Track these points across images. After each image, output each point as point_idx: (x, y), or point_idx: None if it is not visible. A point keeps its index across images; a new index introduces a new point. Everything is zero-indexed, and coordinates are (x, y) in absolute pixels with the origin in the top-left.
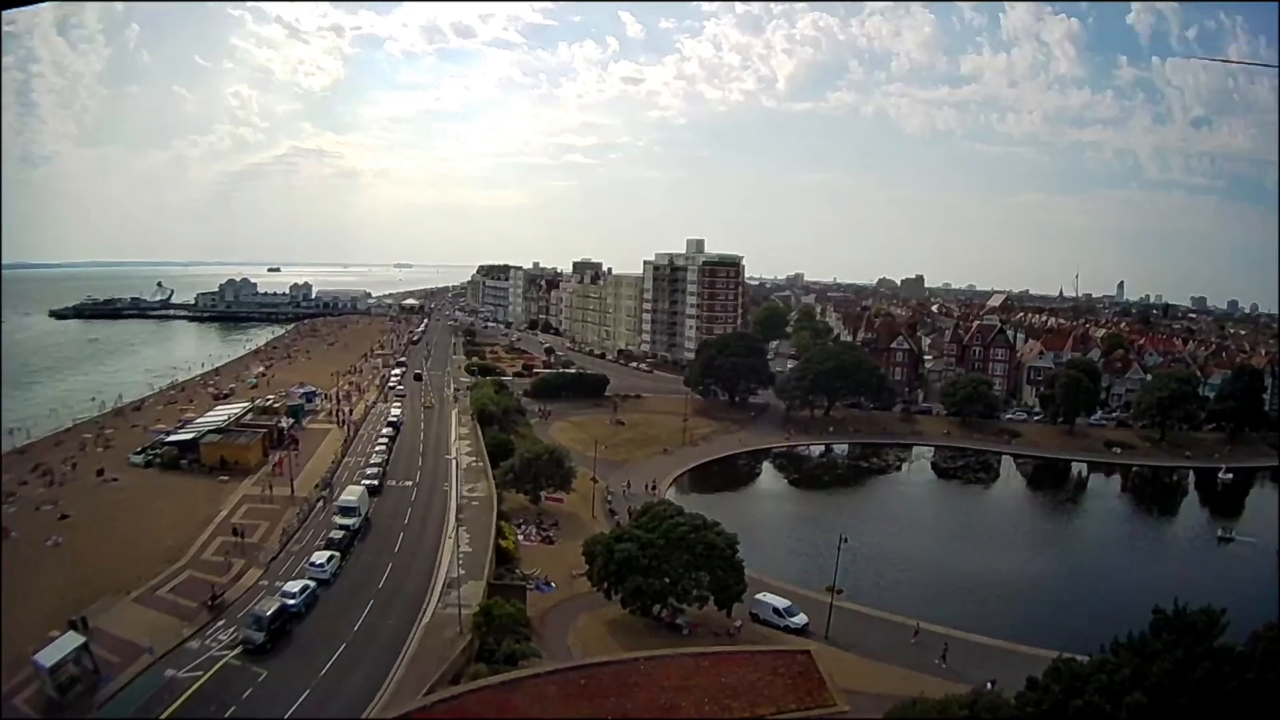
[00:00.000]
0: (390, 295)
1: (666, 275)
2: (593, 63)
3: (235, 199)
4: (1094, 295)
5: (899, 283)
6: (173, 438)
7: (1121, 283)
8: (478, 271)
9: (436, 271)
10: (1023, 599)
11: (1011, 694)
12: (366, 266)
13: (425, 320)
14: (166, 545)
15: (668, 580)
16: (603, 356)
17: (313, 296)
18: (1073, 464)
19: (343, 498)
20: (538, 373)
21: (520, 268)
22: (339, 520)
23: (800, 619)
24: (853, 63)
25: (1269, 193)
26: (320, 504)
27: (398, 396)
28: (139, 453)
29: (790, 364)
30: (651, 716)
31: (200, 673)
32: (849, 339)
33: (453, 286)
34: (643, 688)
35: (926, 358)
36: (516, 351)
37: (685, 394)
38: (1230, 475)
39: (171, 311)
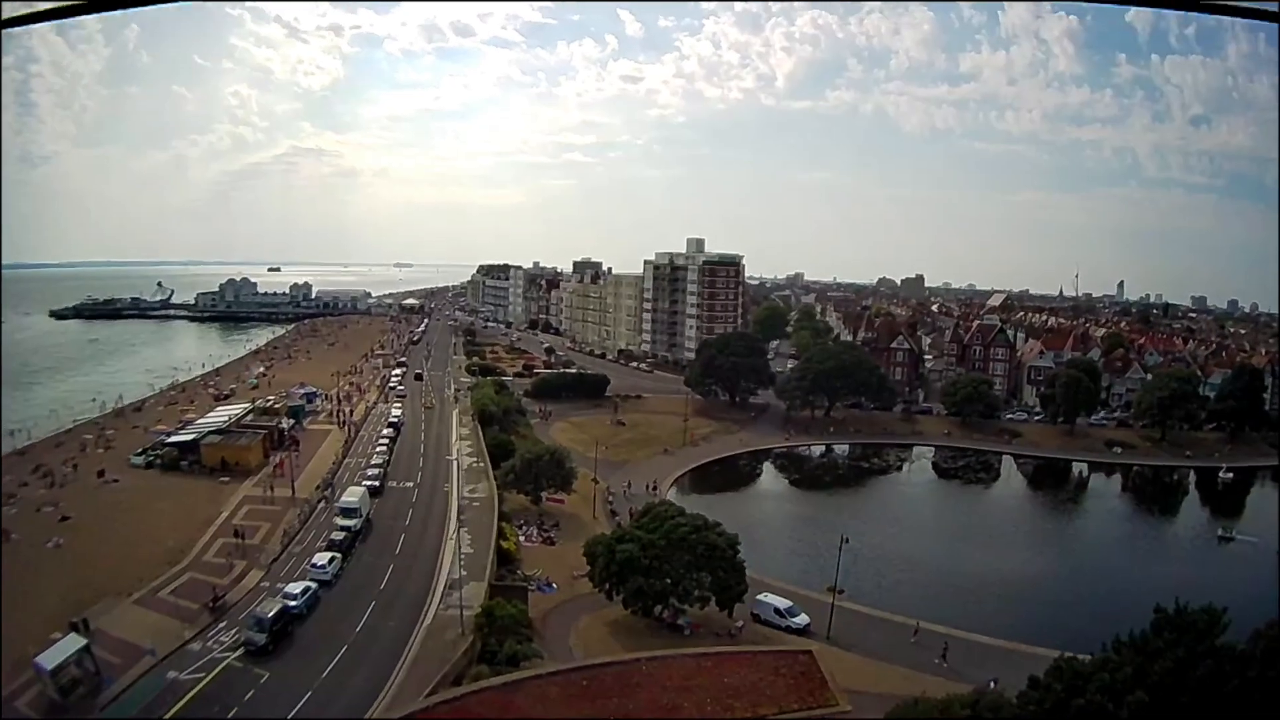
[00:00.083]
0: (390, 295)
1: (666, 275)
2: (592, 61)
3: (235, 199)
4: (1094, 294)
5: (899, 282)
6: (173, 439)
7: (1121, 282)
8: (478, 271)
9: (436, 271)
10: (1023, 598)
11: (1013, 693)
12: (366, 266)
13: (425, 320)
14: (168, 547)
15: (669, 581)
16: (603, 356)
17: (313, 296)
18: (1073, 464)
19: (344, 499)
20: (538, 373)
21: (520, 267)
22: (340, 521)
23: (802, 619)
24: (852, 61)
25: (1269, 191)
26: (321, 505)
27: (398, 397)
28: (140, 454)
29: (790, 364)
30: (654, 717)
31: (202, 674)
32: (849, 339)
33: (453, 286)
34: (645, 688)
35: (927, 357)
36: (517, 351)
37: (686, 394)
38: (1231, 475)
39: (172, 311)
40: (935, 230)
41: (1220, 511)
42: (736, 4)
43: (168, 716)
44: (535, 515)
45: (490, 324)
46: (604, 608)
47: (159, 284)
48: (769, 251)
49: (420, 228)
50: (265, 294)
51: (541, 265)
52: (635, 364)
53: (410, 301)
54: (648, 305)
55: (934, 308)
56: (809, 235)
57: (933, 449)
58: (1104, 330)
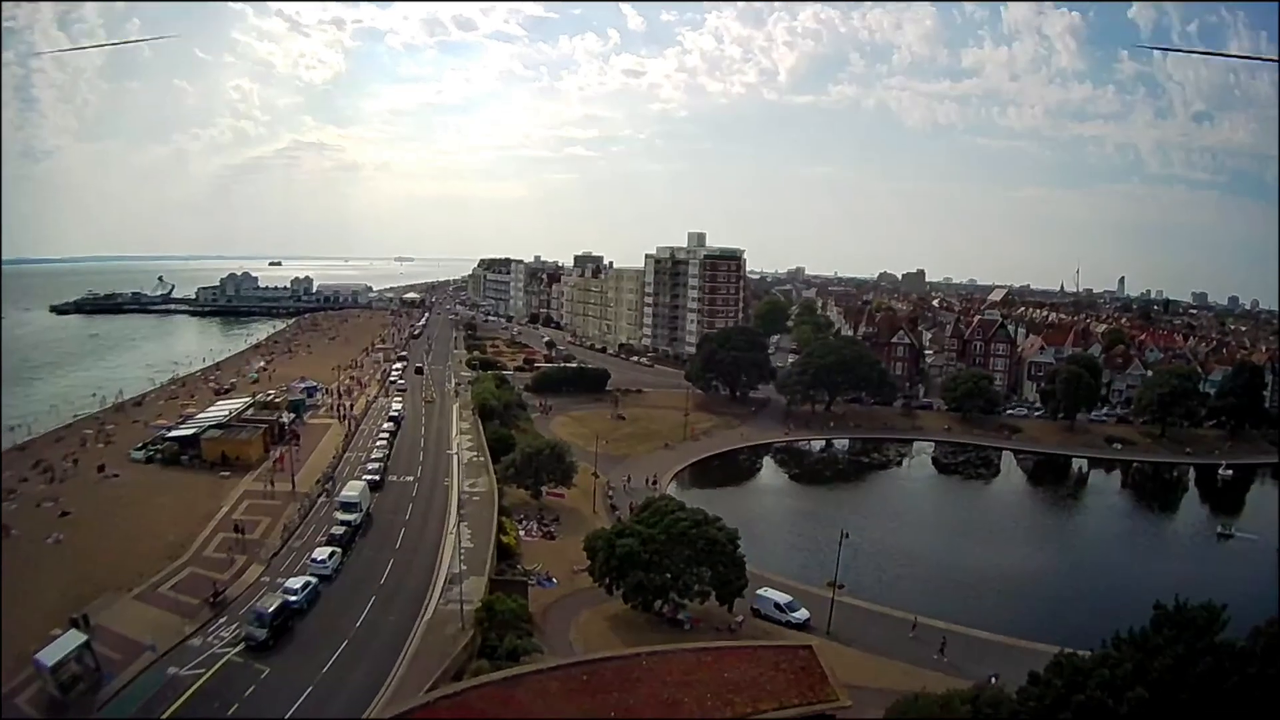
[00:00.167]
0: (391, 289)
1: (668, 269)
2: (594, 55)
3: (236, 193)
4: (1095, 290)
5: (900, 277)
6: (174, 433)
7: (1122, 278)
8: (479, 265)
9: (437, 265)
10: (1023, 594)
11: (1013, 689)
12: (367, 260)
13: (426, 314)
14: (168, 542)
15: (669, 575)
16: (604, 350)
17: (313, 290)
18: (1073, 460)
19: (344, 493)
20: (539, 367)
21: (521, 261)
22: (340, 516)
23: (802, 614)
24: (854, 56)
25: (1269, 188)
26: (321, 500)
27: (399, 391)
28: (140, 448)
29: (791, 358)
30: (654, 711)
31: (202, 670)
32: (850, 333)
33: (454, 280)
34: (645, 683)
35: (927, 352)
36: (517, 345)
37: (686, 388)
38: (1230, 472)
39: (172, 306)
40: (937, 225)
41: (1220, 509)
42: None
43: (168, 713)
44: (535, 510)
45: (491, 318)
46: (604, 602)
47: (160, 279)
48: (770, 246)
49: (421, 222)
50: (266, 288)
51: (543, 259)
52: (636, 358)
53: (411, 295)
54: (649, 299)
55: (935, 303)
56: (810, 230)
57: (933, 444)
58: (1105, 326)
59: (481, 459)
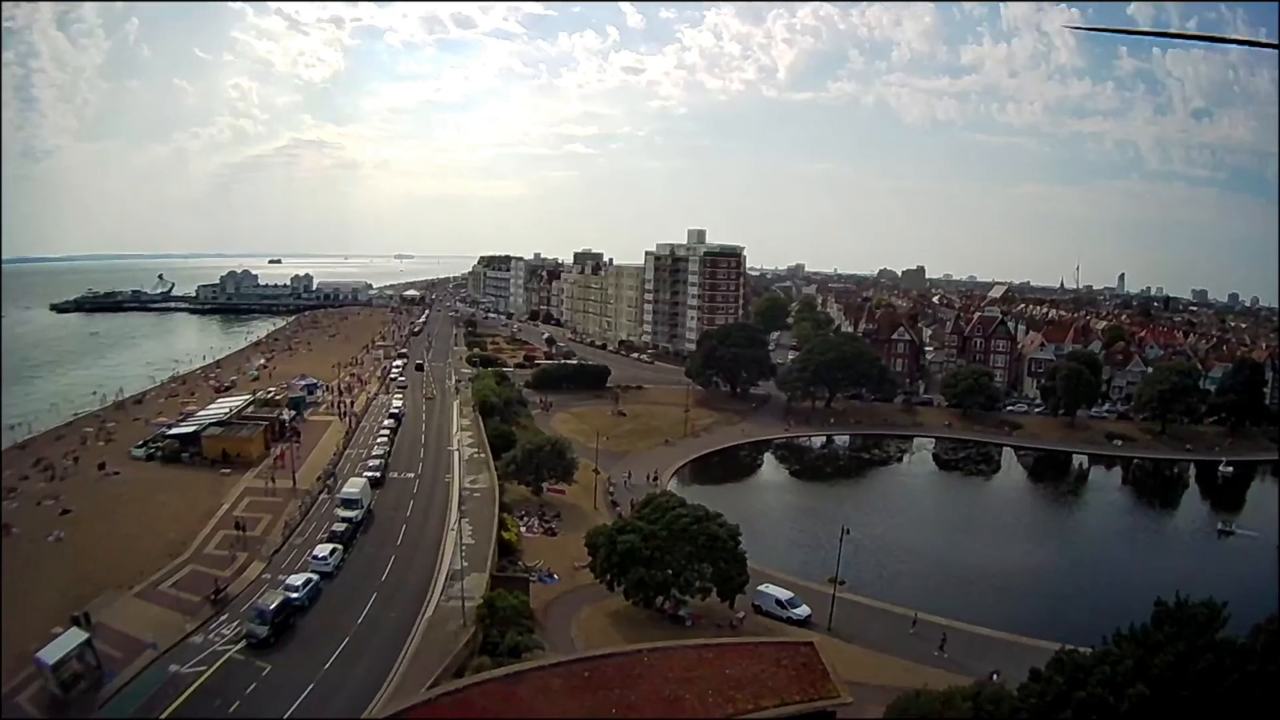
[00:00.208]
0: (391, 286)
1: (668, 266)
2: (593, 53)
3: (236, 191)
4: (1095, 287)
5: (900, 274)
6: (174, 431)
7: (1122, 275)
8: (478, 262)
9: (437, 262)
10: (1024, 590)
11: (1014, 685)
12: (367, 258)
13: (426, 311)
14: (169, 539)
15: (670, 572)
16: (604, 347)
17: (313, 288)
18: (1073, 456)
19: (345, 490)
20: (539, 364)
21: (521, 258)
22: (341, 513)
23: (803, 610)
24: (853, 52)
25: (1269, 185)
26: (322, 496)
27: (399, 388)
28: (140, 446)
29: (791, 355)
30: (655, 708)
31: (204, 668)
32: (850, 330)
33: (453, 277)
34: (647, 679)
35: (927, 349)
36: (518, 342)
37: (686, 385)
38: (1231, 469)
39: (172, 304)
40: (936, 222)
41: (1220, 505)
42: None
43: (169, 711)
44: (536, 506)
45: (491, 315)
46: (605, 599)
47: (160, 277)
48: (770, 243)
49: (421, 219)
50: (266, 286)
51: (542, 256)
52: (636, 355)
53: (411, 293)
54: (649, 296)
55: (935, 299)
56: (810, 226)
57: (933, 440)
58: (1105, 323)
59: (482, 455)
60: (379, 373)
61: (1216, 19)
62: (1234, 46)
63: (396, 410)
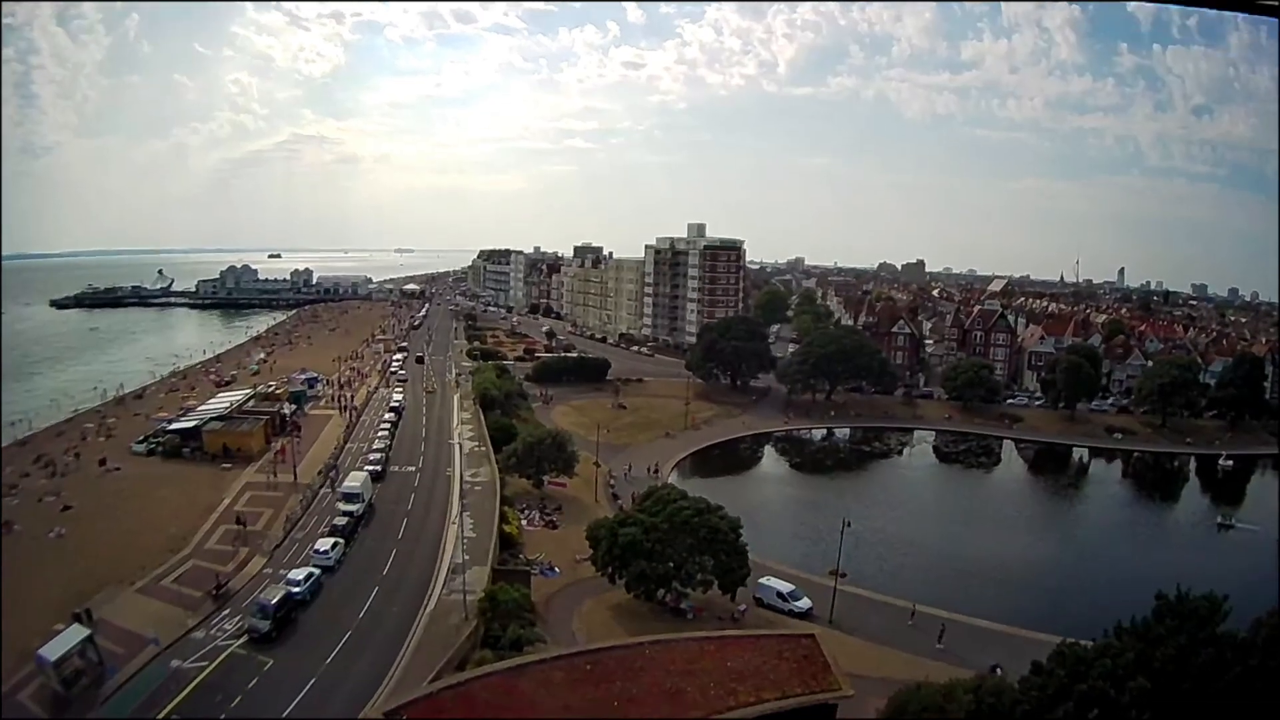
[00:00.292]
0: (391, 280)
1: (668, 259)
2: (593, 47)
3: (236, 186)
4: (1095, 281)
5: (900, 267)
6: (175, 426)
7: (1122, 269)
8: (478, 256)
9: (437, 256)
10: (1025, 584)
11: (1015, 678)
12: (367, 252)
13: (426, 305)
14: (170, 534)
15: (672, 564)
16: (604, 340)
17: (314, 282)
18: (1074, 449)
19: (346, 484)
20: (539, 357)
21: (521, 252)
22: (342, 507)
23: (804, 603)
24: (853, 47)
25: (1269, 181)
26: (324, 491)
27: (399, 382)
28: (141, 441)
29: (791, 348)
30: (657, 701)
31: (206, 663)
32: (850, 323)
33: (454, 271)
34: (648, 672)
35: (928, 342)
36: (518, 336)
37: (687, 378)
38: (1231, 462)
39: (172, 299)
40: (936, 216)
41: (1220, 499)
42: None
43: (171, 706)
44: (537, 499)
45: (491, 309)
46: (607, 591)
47: (160, 272)
48: (770, 237)
49: (421, 213)
50: (266, 280)
51: (542, 250)
52: (636, 348)
53: (411, 287)
54: (649, 290)
55: (935, 293)
56: (810, 220)
57: (933, 433)
58: (1105, 317)
59: (483, 449)
60: (379, 367)
61: (1217, 15)
62: (1234, 41)
63: (397, 404)
